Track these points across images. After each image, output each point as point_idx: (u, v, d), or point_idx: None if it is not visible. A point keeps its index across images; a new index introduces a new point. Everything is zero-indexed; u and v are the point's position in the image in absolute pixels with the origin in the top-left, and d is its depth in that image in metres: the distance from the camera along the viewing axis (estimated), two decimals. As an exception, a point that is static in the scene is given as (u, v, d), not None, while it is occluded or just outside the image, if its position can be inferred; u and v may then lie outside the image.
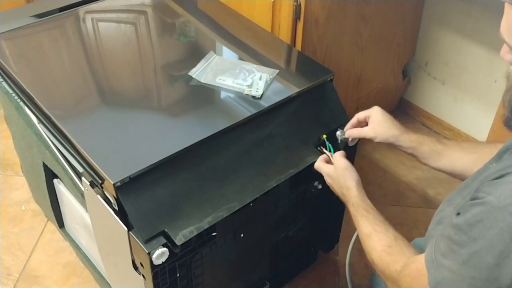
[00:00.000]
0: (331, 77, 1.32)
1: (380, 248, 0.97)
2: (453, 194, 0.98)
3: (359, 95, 1.99)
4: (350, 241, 1.28)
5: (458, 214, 0.80)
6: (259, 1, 1.67)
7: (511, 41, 0.75)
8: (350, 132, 1.22)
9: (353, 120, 1.22)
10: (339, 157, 1.16)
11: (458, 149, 1.12)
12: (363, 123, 1.21)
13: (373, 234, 1.00)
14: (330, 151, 1.22)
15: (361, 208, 1.06)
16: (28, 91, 1.26)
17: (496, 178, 0.77)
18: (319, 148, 1.23)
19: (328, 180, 1.16)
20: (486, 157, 1.05)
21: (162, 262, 1.03)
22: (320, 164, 1.18)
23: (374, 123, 1.17)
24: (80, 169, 1.15)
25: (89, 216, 1.26)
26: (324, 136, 1.26)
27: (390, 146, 1.18)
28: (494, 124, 1.63)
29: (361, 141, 1.33)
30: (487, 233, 0.74)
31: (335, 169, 1.14)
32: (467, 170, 1.10)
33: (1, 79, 1.40)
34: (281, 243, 1.38)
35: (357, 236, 1.23)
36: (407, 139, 1.15)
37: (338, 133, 1.25)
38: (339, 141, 1.25)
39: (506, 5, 0.73)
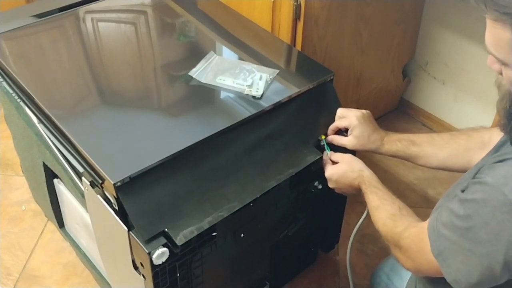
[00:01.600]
0: (331, 77, 1.32)
1: (385, 216, 1.03)
2: (451, 189, 0.98)
3: (359, 95, 1.99)
4: (349, 240, 1.30)
5: (463, 191, 0.84)
6: (259, 1, 1.67)
7: (500, 55, 0.76)
8: (333, 137, 1.25)
9: (333, 127, 1.25)
10: (337, 154, 1.21)
11: (432, 147, 1.18)
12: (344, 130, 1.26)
13: (380, 206, 1.06)
14: (329, 151, 1.22)
15: (372, 186, 1.10)
16: (28, 91, 1.26)
17: (497, 162, 0.81)
18: (323, 143, 1.25)
19: (334, 177, 1.18)
20: (460, 149, 1.14)
21: (162, 262, 1.03)
22: (326, 161, 1.22)
23: (354, 136, 1.22)
24: (80, 169, 1.15)
25: (89, 216, 1.26)
26: (323, 136, 1.26)
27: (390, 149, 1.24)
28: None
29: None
30: (481, 210, 0.78)
31: (342, 163, 1.18)
32: (444, 165, 1.18)
33: (1, 79, 1.40)
34: (281, 243, 1.38)
35: (356, 233, 1.28)
36: (384, 151, 1.23)
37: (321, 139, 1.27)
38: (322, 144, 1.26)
39: (488, 20, 0.74)
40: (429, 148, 1.18)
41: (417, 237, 0.91)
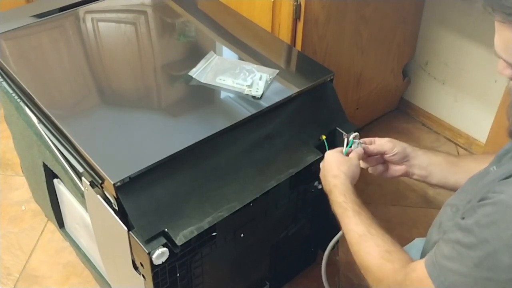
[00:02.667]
0: (331, 77, 1.32)
1: (378, 254, 0.90)
2: (452, 199, 0.97)
3: (359, 95, 1.99)
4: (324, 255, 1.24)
5: (464, 218, 0.78)
6: (259, 1, 1.67)
7: (508, 57, 0.74)
8: (370, 146, 1.15)
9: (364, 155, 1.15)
10: (355, 155, 1.12)
11: (472, 160, 1.10)
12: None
13: (368, 237, 0.93)
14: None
15: (353, 202, 0.98)
16: (28, 91, 1.26)
17: (505, 178, 0.76)
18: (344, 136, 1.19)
19: (327, 162, 1.10)
20: None
21: (162, 262, 1.03)
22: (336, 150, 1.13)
23: (388, 140, 1.14)
24: (80, 169, 1.15)
25: (89, 216, 1.26)
26: (324, 136, 1.26)
27: (406, 174, 1.15)
28: (494, 124, 1.63)
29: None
30: (502, 234, 0.71)
31: (344, 158, 1.09)
32: None
33: (1, 79, 1.40)
34: (281, 243, 1.38)
35: (331, 248, 1.21)
36: (422, 152, 1.13)
37: (352, 138, 1.17)
38: (355, 144, 1.16)
39: (497, 23, 0.73)
40: (469, 160, 1.10)
41: (421, 283, 0.81)
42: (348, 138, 1.17)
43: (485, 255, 0.73)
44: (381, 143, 1.15)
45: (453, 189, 1.10)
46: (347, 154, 1.13)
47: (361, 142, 1.16)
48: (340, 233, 1.11)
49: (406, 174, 1.16)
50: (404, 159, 1.13)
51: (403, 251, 0.91)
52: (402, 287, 0.85)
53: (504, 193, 0.72)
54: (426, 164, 1.12)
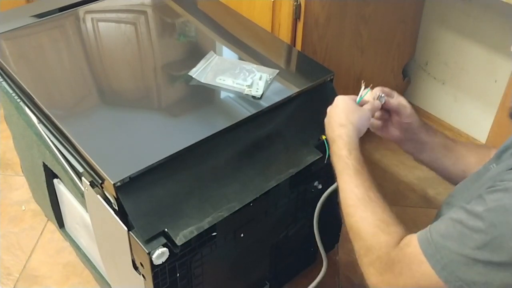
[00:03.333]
0: (331, 77, 1.32)
1: (373, 222, 0.86)
2: (453, 196, 0.97)
3: (359, 95, 1.99)
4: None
5: (468, 204, 0.77)
6: (259, 1, 1.67)
7: None
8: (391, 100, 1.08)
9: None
10: (367, 105, 1.03)
11: (465, 147, 1.09)
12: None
13: (366, 201, 0.87)
14: (327, 152, 1.22)
15: (356, 159, 0.91)
16: (28, 91, 1.26)
17: None
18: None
19: (338, 107, 1.01)
20: (485, 159, 1.04)
21: (162, 262, 1.03)
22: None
23: (407, 109, 1.08)
24: (80, 169, 1.15)
25: (89, 216, 1.26)
26: (324, 136, 1.26)
27: (404, 137, 1.09)
28: (494, 124, 1.63)
29: (361, 141, 1.33)
30: (510, 217, 0.71)
31: (355, 106, 1.00)
32: (469, 170, 1.06)
33: (1, 79, 1.40)
34: (281, 243, 1.38)
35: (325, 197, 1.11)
36: (425, 130, 1.09)
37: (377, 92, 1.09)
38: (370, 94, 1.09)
39: None
40: (461, 147, 1.08)
41: (415, 259, 0.79)
42: (365, 87, 1.06)
43: (491, 239, 0.72)
44: (403, 104, 1.07)
45: (434, 169, 1.10)
46: (361, 104, 1.04)
47: (383, 95, 1.05)
48: (334, 185, 1.04)
49: (399, 142, 1.11)
50: (408, 130, 1.08)
51: (399, 224, 0.86)
52: (394, 261, 0.82)
53: None
54: (424, 143, 1.09)
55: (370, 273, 0.85)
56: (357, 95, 1.08)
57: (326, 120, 1.03)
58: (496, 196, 0.74)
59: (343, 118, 0.97)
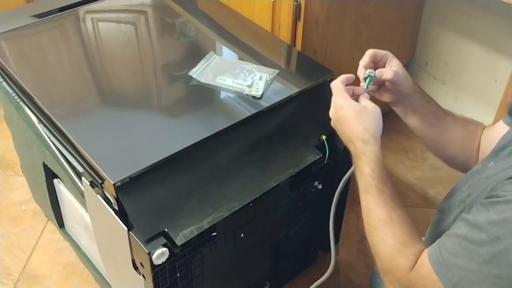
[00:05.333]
0: (331, 77, 1.32)
1: (393, 245, 0.84)
2: (451, 194, 0.98)
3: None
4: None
5: (470, 214, 0.77)
6: (259, 1, 1.67)
7: None
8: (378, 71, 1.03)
9: (369, 54, 1.05)
10: (365, 102, 0.97)
11: (453, 120, 1.11)
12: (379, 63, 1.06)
13: (388, 222, 0.85)
14: (327, 152, 1.22)
15: (379, 178, 0.88)
16: (28, 91, 1.26)
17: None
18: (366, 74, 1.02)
19: (335, 115, 0.96)
20: (470, 135, 1.06)
21: (162, 262, 1.03)
22: (339, 86, 0.99)
23: (394, 67, 1.05)
24: (80, 169, 1.15)
25: (89, 216, 1.26)
26: (324, 136, 1.26)
27: (395, 100, 1.06)
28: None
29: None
30: None
31: (357, 106, 0.95)
32: (452, 143, 1.06)
33: (1, 79, 1.40)
34: (281, 243, 1.38)
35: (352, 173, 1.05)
36: (418, 93, 1.06)
37: (368, 71, 1.03)
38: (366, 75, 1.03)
39: None
40: (451, 121, 1.07)
41: (429, 279, 0.79)
42: (366, 75, 1.02)
43: (496, 252, 0.72)
44: (395, 72, 1.04)
45: (420, 136, 1.07)
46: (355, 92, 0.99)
47: (373, 74, 1.01)
48: (351, 169, 0.99)
49: (390, 103, 1.06)
50: (400, 94, 1.05)
51: (418, 242, 0.84)
52: (410, 283, 0.82)
53: None
54: (414, 108, 1.06)
55: None
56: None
57: (338, 129, 0.97)
58: (499, 208, 0.73)
59: (361, 131, 0.91)
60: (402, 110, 1.08)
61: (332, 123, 0.98)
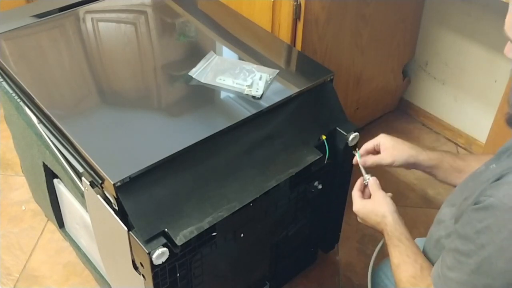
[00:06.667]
0: (331, 77, 1.32)
1: (405, 280, 0.94)
2: (454, 194, 0.98)
3: (359, 95, 1.99)
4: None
5: (459, 223, 0.79)
6: (259, 1, 1.67)
7: None
8: (366, 159, 1.14)
9: (361, 151, 1.16)
10: (376, 188, 1.09)
11: (478, 164, 1.07)
12: (374, 152, 1.16)
13: (402, 265, 0.96)
14: (327, 152, 1.22)
15: (394, 237, 1.00)
16: (28, 91, 1.26)
17: (496, 180, 0.76)
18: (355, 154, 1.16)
19: (360, 214, 1.09)
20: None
21: (162, 262, 1.03)
22: (355, 194, 1.11)
23: (388, 149, 1.12)
24: (80, 169, 1.15)
25: (89, 216, 1.26)
26: (324, 136, 1.26)
27: (409, 168, 1.13)
28: (494, 124, 1.63)
29: (361, 141, 1.33)
30: (495, 237, 0.72)
31: (369, 201, 1.08)
32: None
33: (1, 79, 1.40)
34: (281, 243, 1.38)
35: (375, 256, 1.21)
36: (427, 157, 1.10)
37: (356, 155, 1.17)
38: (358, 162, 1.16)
39: (510, 3, 0.73)
40: (475, 164, 1.06)
41: None
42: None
43: (481, 261, 0.73)
44: (380, 159, 1.12)
45: (451, 185, 1.10)
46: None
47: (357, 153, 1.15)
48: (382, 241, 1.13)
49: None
50: (405, 165, 1.12)
51: (427, 275, 0.91)
52: None
53: (493, 196, 0.73)
54: (429, 170, 1.11)
55: None
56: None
57: (367, 224, 1.09)
58: (480, 216, 0.74)
59: (381, 218, 1.04)
60: (421, 171, 1.13)
61: (362, 221, 1.11)
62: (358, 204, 1.08)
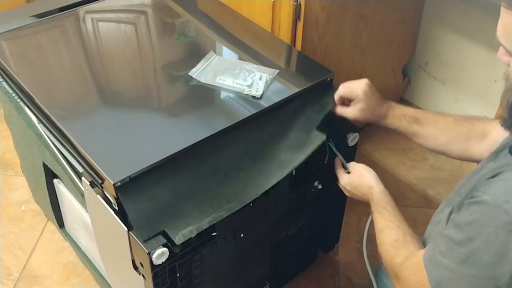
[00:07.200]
0: (331, 77, 1.32)
1: (388, 242, 1.00)
2: (452, 194, 0.99)
3: (359, 95, 1.99)
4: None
5: (457, 214, 0.81)
6: (259, 1, 1.67)
7: (507, 44, 0.77)
8: (336, 109, 1.23)
9: (337, 97, 1.23)
10: (353, 163, 1.19)
11: (434, 128, 1.16)
12: (347, 101, 1.23)
13: (385, 230, 1.02)
14: (327, 152, 1.22)
15: (379, 205, 1.07)
16: (28, 91, 1.26)
17: (491, 177, 0.78)
18: (331, 146, 1.23)
19: (347, 187, 1.18)
20: (461, 136, 1.12)
21: (162, 262, 1.03)
22: (339, 171, 1.21)
23: (357, 105, 1.19)
24: (80, 169, 1.15)
25: (89, 216, 1.26)
26: (324, 137, 1.26)
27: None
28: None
29: (361, 141, 1.33)
30: (483, 231, 0.74)
31: (354, 175, 1.16)
32: (441, 149, 1.16)
33: (1, 79, 1.40)
34: (281, 243, 1.38)
35: (367, 235, 1.24)
36: (386, 124, 1.20)
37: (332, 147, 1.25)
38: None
39: (502, 9, 0.74)
40: (431, 129, 1.16)
41: (417, 268, 0.87)
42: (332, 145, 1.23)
43: (469, 252, 0.76)
44: (345, 112, 1.22)
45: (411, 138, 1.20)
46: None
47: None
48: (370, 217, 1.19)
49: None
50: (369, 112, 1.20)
51: (413, 242, 0.97)
52: (400, 268, 0.93)
53: (487, 193, 0.76)
54: (389, 127, 1.21)
55: None
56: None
57: (355, 197, 1.18)
58: (472, 209, 0.77)
59: (367, 190, 1.12)
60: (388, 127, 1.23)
61: (348, 195, 1.21)
62: (345, 178, 1.18)
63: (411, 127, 1.17)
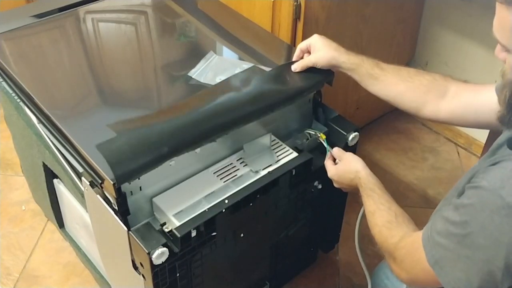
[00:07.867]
0: (331, 77, 1.32)
1: (381, 224, 1.00)
2: (450, 192, 0.99)
3: (359, 95, 1.99)
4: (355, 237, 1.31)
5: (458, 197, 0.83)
6: (259, 1, 1.67)
7: (503, 40, 0.78)
8: (295, 66, 1.23)
9: (297, 53, 1.25)
10: (342, 152, 1.19)
11: (395, 75, 1.15)
12: (307, 53, 1.24)
13: (377, 212, 1.03)
14: (327, 152, 1.22)
15: (368, 188, 1.07)
16: (28, 91, 1.26)
17: (491, 165, 0.80)
18: (322, 141, 1.24)
19: (335, 178, 1.18)
20: (420, 88, 1.11)
21: (162, 262, 1.03)
22: (328, 163, 1.21)
23: (315, 50, 1.21)
24: (80, 169, 1.15)
25: (89, 216, 1.26)
26: (324, 136, 1.26)
27: (333, 69, 1.23)
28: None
29: (361, 141, 1.33)
30: (478, 215, 0.76)
31: (341, 163, 1.17)
32: (397, 98, 1.14)
33: (1, 79, 1.40)
34: (281, 243, 1.38)
35: (358, 230, 1.28)
36: (347, 60, 1.18)
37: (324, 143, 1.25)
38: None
39: (497, 5, 0.75)
40: (391, 75, 1.15)
41: (412, 247, 0.89)
42: (324, 144, 1.24)
43: (465, 234, 0.78)
44: (306, 61, 1.22)
45: (374, 95, 1.19)
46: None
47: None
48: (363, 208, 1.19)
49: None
50: (328, 67, 1.22)
51: (406, 222, 0.99)
52: (396, 248, 0.94)
53: (485, 179, 0.77)
54: (350, 74, 1.20)
55: (393, 270, 0.98)
56: None
57: (344, 188, 1.19)
58: (470, 193, 0.79)
59: (353, 179, 1.13)
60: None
61: (338, 186, 1.20)
62: (332, 169, 1.18)
63: (373, 70, 1.16)
